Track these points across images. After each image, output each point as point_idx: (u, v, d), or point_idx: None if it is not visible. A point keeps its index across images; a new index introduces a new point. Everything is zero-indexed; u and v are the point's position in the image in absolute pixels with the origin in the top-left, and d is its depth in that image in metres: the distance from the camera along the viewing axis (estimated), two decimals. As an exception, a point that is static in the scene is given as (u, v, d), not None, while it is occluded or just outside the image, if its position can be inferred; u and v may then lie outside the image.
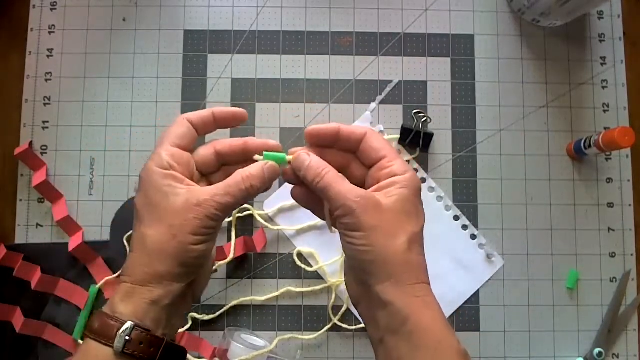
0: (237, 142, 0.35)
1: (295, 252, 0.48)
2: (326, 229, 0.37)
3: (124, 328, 0.29)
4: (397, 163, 0.32)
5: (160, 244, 0.31)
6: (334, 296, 0.48)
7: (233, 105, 0.50)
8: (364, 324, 0.33)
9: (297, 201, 0.36)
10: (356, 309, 0.34)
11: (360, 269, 0.31)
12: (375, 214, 0.30)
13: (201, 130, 0.34)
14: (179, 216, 0.31)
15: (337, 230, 0.33)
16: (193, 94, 0.50)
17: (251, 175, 0.32)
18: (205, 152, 0.34)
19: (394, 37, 0.51)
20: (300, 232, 0.48)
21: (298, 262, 0.48)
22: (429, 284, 0.32)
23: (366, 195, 0.31)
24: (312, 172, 0.32)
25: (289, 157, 0.34)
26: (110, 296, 0.31)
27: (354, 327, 0.47)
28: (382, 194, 0.31)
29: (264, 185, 0.33)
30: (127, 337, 0.29)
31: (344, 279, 0.36)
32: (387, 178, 0.32)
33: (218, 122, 0.35)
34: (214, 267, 0.47)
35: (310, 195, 0.34)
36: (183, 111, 0.50)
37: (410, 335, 0.30)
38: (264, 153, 0.34)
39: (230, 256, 0.47)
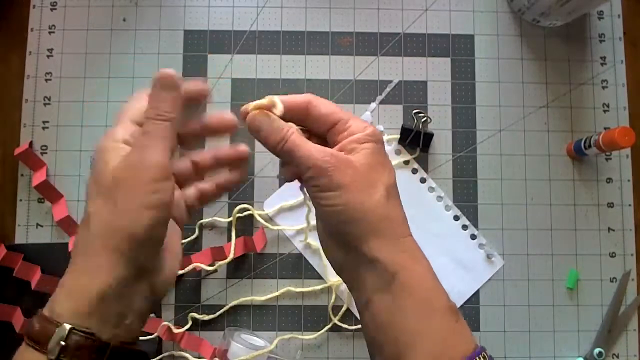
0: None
1: (302, 245, 0.48)
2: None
3: (58, 332, 0.25)
4: (354, 122, 0.30)
5: (107, 217, 0.27)
6: (334, 296, 0.48)
7: (233, 105, 0.50)
8: (349, 290, 0.31)
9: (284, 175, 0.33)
10: (340, 276, 0.32)
11: (340, 231, 0.29)
12: (347, 171, 0.29)
13: None
14: (126, 188, 0.27)
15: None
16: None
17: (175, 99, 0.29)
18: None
19: (394, 37, 0.51)
20: (300, 232, 0.48)
21: (305, 256, 0.48)
22: (412, 236, 0.31)
23: (335, 153, 0.29)
24: (275, 134, 0.29)
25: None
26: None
27: (354, 327, 0.47)
28: (347, 151, 0.30)
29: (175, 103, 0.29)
30: (62, 343, 0.25)
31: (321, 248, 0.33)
32: (348, 138, 0.30)
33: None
34: (215, 267, 0.47)
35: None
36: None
37: (400, 292, 0.28)
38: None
39: (230, 256, 0.47)
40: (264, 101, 0.30)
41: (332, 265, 0.32)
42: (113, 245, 0.26)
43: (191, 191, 0.33)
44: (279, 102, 0.30)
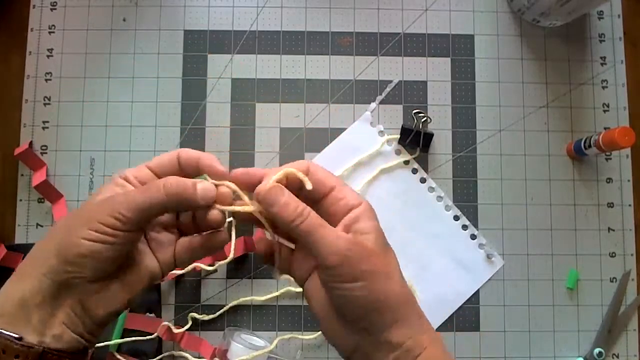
0: (170, 156, 0.31)
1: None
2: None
3: None
4: (347, 193, 0.30)
5: (53, 232, 0.28)
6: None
7: (233, 105, 0.50)
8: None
9: (258, 248, 0.33)
10: (347, 357, 0.30)
11: (360, 319, 0.28)
12: (370, 259, 0.28)
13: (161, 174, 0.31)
14: (85, 210, 0.28)
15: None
16: (193, 94, 0.50)
17: (172, 184, 0.28)
18: (139, 173, 0.31)
19: (394, 37, 0.51)
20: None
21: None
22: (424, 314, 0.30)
23: (355, 240, 0.28)
24: (291, 211, 0.28)
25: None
26: None
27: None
28: (356, 234, 0.29)
29: (186, 203, 0.29)
30: None
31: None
32: (346, 212, 0.29)
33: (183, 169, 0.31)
34: (215, 267, 0.47)
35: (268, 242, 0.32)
36: (183, 111, 0.50)
37: None
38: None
39: (230, 256, 0.47)
40: (281, 175, 0.29)
41: (340, 349, 0.30)
42: (43, 257, 0.27)
43: (183, 241, 0.32)
44: (308, 181, 0.29)
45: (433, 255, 0.49)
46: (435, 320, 0.47)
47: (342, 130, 0.50)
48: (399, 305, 0.29)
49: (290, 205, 0.28)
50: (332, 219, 0.29)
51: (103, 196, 0.29)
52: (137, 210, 0.27)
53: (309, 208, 0.29)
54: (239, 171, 0.30)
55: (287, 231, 0.29)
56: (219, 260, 0.47)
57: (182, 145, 0.49)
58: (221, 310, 0.47)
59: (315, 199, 0.30)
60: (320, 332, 0.47)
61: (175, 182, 0.29)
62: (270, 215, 0.29)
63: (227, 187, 0.30)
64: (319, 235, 0.28)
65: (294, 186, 0.30)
